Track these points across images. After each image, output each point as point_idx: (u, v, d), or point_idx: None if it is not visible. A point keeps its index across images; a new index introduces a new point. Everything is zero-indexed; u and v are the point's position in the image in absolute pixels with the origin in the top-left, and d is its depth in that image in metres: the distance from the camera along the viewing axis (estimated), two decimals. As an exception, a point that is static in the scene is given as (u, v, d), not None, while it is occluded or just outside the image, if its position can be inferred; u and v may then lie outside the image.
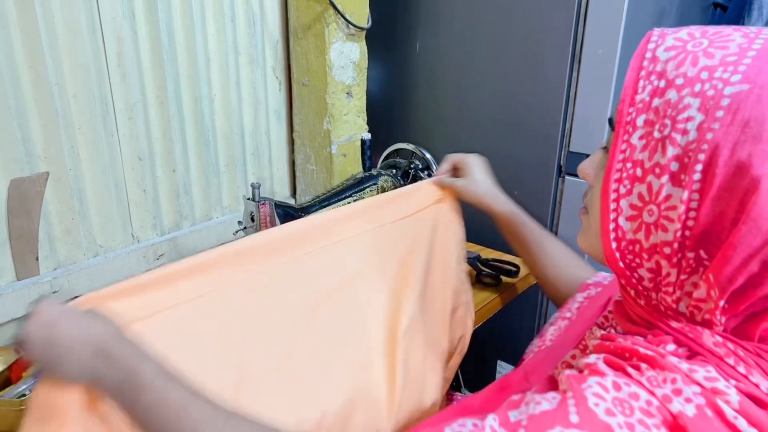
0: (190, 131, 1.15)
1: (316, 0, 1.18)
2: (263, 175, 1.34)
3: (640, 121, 0.45)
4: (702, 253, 0.43)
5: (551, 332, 0.75)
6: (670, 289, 0.46)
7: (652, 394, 0.42)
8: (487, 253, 1.17)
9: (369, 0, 1.24)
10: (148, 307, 0.58)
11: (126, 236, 1.10)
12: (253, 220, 0.86)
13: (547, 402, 0.44)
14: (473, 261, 1.05)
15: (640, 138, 0.45)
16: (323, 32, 1.20)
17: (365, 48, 1.29)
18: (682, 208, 0.42)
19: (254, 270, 0.66)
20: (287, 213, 0.87)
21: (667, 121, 0.43)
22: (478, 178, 0.88)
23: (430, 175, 1.04)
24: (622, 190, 0.46)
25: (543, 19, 1.09)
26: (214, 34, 1.15)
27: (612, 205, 0.47)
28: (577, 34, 1.07)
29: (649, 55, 0.46)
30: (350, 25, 1.21)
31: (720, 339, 0.44)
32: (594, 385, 0.44)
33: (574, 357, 0.59)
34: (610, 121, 0.51)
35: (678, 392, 0.42)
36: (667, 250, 0.44)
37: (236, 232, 0.87)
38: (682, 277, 0.45)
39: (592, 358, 0.49)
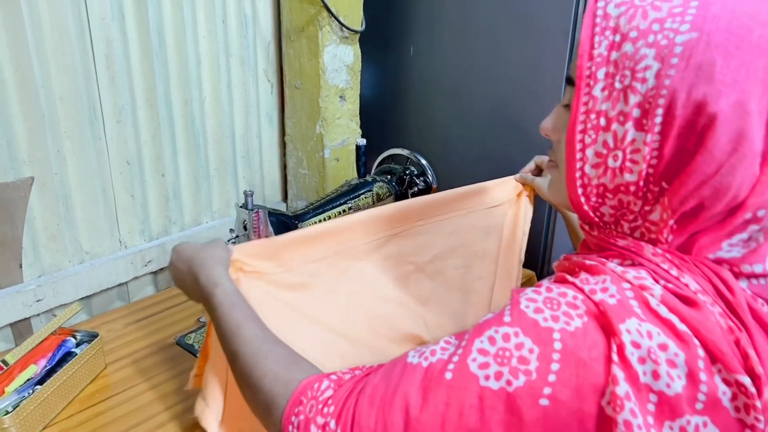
0: (180, 134, 1.13)
1: (309, 2, 1.16)
2: (254, 179, 1.32)
3: (600, 74, 0.48)
4: (664, 184, 0.47)
5: None
6: (631, 217, 0.51)
7: (581, 290, 0.48)
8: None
9: (363, 3, 1.23)
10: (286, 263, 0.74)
11: (113, 242, 1.07)
12: (245, 228, 0.83)
13: (492, 313, 0.51)
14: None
15: (602, 90, 0.48)
16: (317, 35, 1.18)
17: (359, 51, 1.27)
18: (646, 149, 0.47)
19: (370, 238, 0.80)
20: (281, 221, 0.85)
21: (627, 72, 0.47)
22: None
23: (426, 182, 1.02)
24: (587, 140, 0.49)
25: (539, 21, 1.08)
26: (205, 35, 1.12)
27: (578, 155, 0.50)
28: (574, 36, 1.06)
29: (600, 12, 0.49)
30: (344, 28, 1.19)
31: (659, 251, 0.49)
32: (528, 292, 0.50)
33: None
34: (569, 79, 0.54)
35: (605, 290, 0.47)
36: (632, 188, 0.49)
37: (229, 241, 0.85)
38: (646, 208, 0.49)
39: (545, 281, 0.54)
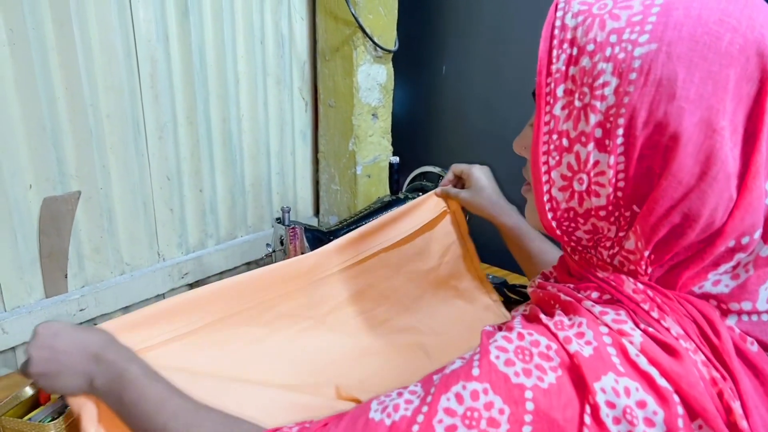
0: (218, 151, 1.16)
1: (344, 23, 1.19)
2: (287, 195, 1.35)
3: (560, 92, 0.45)
4: (635, 207, 0.44)
5: None
6: (608, 244, 0.47)
7: (555, 337, 0.44)
8: (514, 279, 1.17)
9: (397, 22, 1.25)
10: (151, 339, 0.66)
11: (152, 254, 1.10)
12: (282, 243, 0.86)
13: (459, 361, 0.46)
14: (500, 286, 1.04)
15: (563, 108, 0.45)
16: (351, 54, 1.21)
17: (392, 70, 1.29)
18: (611, 172, 0.43)
19: (282, 290, 0.75)
20: (316, 237, 0.87)
21: (585, 89, 0.43)
22: (484, 189, 0.89)
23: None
24: (552, 162, 0.46)
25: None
26: (243, 55, 1.16)
27: (544, 177, 0.47)
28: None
29: (558, 23, 0.45)
30: (378, 48, 1.22)
31: (641, 286, 0.45)
32: (499, 339, 0.45)
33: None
34: (534, 94, 0.51)
35: (581, 335, 0.43)
36: (602, 213, 0.45)
37: (265, 255, 0.88)
38: (621, 234, 0.46)
39: (518, 313, 0.51)
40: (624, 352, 0.42)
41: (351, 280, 0.79)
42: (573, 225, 0.48)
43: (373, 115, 1.29)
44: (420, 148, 1.39)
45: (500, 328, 0.49)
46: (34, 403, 0.72)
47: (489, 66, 1.21)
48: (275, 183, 1.31)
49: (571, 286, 0.50)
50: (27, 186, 0.89)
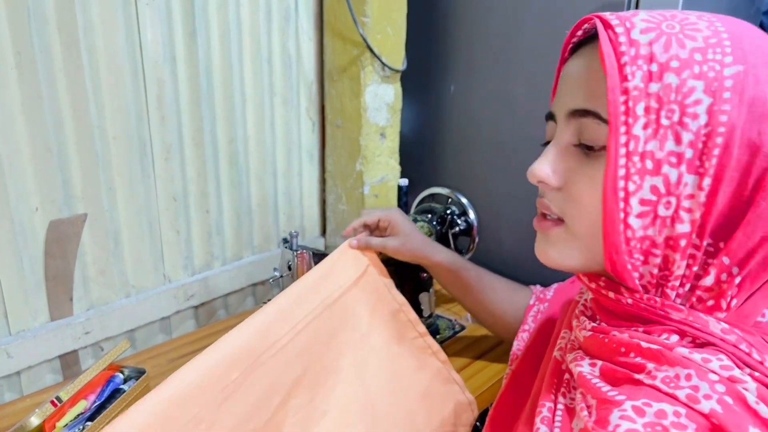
0: (224, 171, 1.16)
1: (352, 43, 1.19)
2: (294, 215, 1.34)
3: (639, 110, 0.42)
4: (715, 238, 0.42)
5: (515, 345, 0.78)
6: (677, 283, 0.44)
7: (676, 399, 0.39)
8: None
9: (405, 43, 1.25)
10: None
11: (158, 276, 1.09)
12: (290, 268, 0.84)
13: None
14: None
15: (644, 127, 0.42)
16: (359, 75, 1.20)
17: (400, 90, 1.29)
18: (701, 195, 0.41)
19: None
20: (324, 261, 0.86)
21: (674, 107, 0.41)
22: (412, 232, 0.85)
23: (467, 222, 1.03)
24: (631, 187, 0.43)
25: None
26: (251, 76, 1.16)
27: (620, 204, 0.43)
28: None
29: (623, 39, 0.43)
30: (386, 68, 1.21)
31: (727, 326, 0.42)
32: (621, 423, 0.39)
33: (561, 349, 0.57)
34: (551, 116, 0.49)
35: (696, 389, 0.39)
36: (682, 242, 0.42)
37: (272, 279, 0.86)
38: (695, 268, 0.43)
39: (585, 367, 0.46)
40: (743, 401, 0.38)
41: (287, 366, 0.67)
42: (642, 258, 0.45)
43: (380, 134, 1.28)
44: (428, 168, 1.38)
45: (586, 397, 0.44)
46: (38, 433, 0.70)
47: (497, 86, 1.21)
48: (282, 203, 1.30)
49: (640, 329, 0.46)
50: (33, 209, 0.88)
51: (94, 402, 0.78)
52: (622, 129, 0.42)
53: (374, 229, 0.86)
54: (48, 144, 0.87)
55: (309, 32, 1.25)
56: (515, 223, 1.20)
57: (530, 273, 1.06)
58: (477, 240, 1.02)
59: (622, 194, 0.43)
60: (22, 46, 0.82)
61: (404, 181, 0.99)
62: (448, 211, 1.04)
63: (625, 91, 0.42)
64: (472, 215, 1.03)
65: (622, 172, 0.43)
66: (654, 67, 0.42)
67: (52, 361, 0.96)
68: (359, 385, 0.71)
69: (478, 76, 1.23)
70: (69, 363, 0.98)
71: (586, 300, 0.56)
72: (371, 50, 1.16)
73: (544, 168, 0.49)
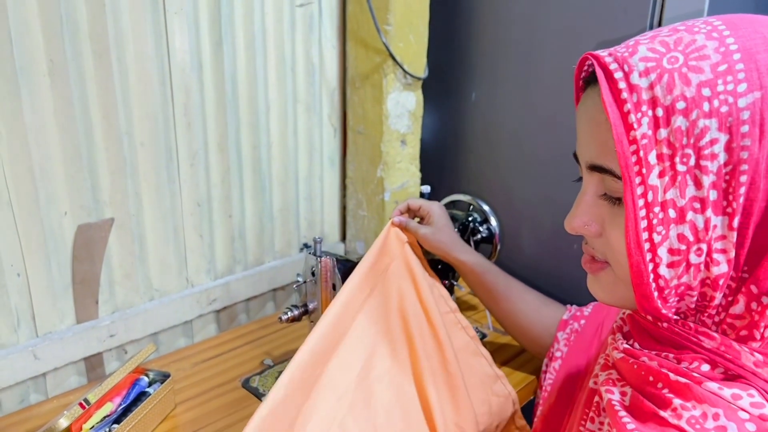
0: (248, 177, 1.17)
1: (375, 51, 1.20)
2: (314, 220, 1.34)
3: (652, 158, 0.40)
4: (747, 269, 0.41)
5: (547, 380, 0.77)
6: (713, 312, 0.43)
7: None
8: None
9: (427, 50, 1.25)
10: None
11: (181, 281, 1.11)
12: (313, 274, 0.85)
13: None
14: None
15: (660, 176, 0.40)
16: (381, 82, 1.21)
17: (421, 97, 1.29)
18: (733, 235, 0.40)
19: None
20: (348, 268, 0.87)
21: (689, 151, 0.39)
22: (445, 226, 0.88)
23: (489, 230, 1.03)
24: (657, 238, 0.41)
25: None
26: (275, 83, 1.17)
27: (647, 256, 0.42)
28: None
29: (622, 84, 0.40)
30: (408, 75, 1.22)
31: (761, 357, 0.41)
32: None
33: (596, 376, 0.56)
34: (576, 155, 0.49)
35: (723, 429, 0.38)
36: (720, 281, 0.41)
37: (296, 285, 0.87)
38: (729, 299, 0.42)
39: (615, 395, 0.46)
40: None
41: (370, 322, 0.78)
42: (678, 299, 0.44)
43: (401, 141, 1.29)
44: (448, 174, 1.38)
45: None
46: (66, 434, 0.72)
47: (519, 93, 1.21)
48: (303, 209, 1.31)
49: (671, 356, 0.45)
50: (62, 213, 0.90)
51: (120, 404, 0.79)
52: (637, 180, 0.41)
53: (414, 216, 0.91)
54: (78, 150, 0.89)
55: (332, 40, 1.26)
56: (537, 231, 1.19)
57: (552, 280, 1.05)
58: (499, 247, 1.02)
59: (647, 246, 0.42)
60: (55, 54, 0.83)
61: (426, 188, 1.00)
62: (470, 219, 1.04)
63: (634, 141, 0.40)
64: (494, 222, 1.03)
65: (644, 224, 0.41)
66: (659, 112, 0.40)
67: (77, 363, 0.97)
68: (422, 348, 0.77)
69: (500, 83, 1.24)
70: (93, 365, 1.00)
71: (624, 314, 0.56)
72: (393, 58, 1.17)
73: (578, 220, 0.49)
